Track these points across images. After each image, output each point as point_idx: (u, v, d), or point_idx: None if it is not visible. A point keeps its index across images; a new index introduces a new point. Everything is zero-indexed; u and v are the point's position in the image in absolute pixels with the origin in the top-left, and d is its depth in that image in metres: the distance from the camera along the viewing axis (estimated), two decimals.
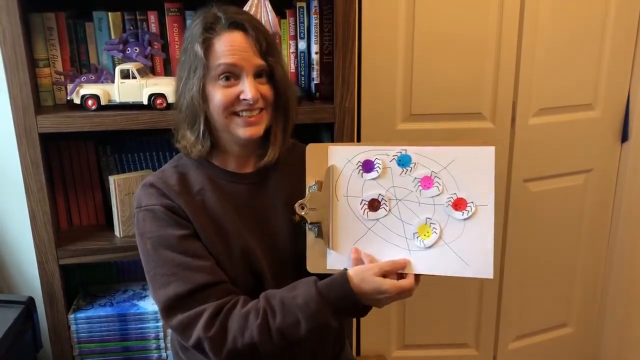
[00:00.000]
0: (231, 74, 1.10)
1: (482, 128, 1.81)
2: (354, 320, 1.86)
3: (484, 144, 1.08)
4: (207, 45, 1.09)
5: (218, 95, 1.10)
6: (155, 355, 1.58)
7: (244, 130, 1.12)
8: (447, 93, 1.77)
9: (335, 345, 1.30)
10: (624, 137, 1.99)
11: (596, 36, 1.85)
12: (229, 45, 1.09)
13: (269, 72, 1.13)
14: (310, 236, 1.13)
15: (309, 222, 1.11)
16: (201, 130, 1.13)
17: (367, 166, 1.11)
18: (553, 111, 1.88)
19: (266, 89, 1.13)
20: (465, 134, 1.80)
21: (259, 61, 1.11)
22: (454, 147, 1.09)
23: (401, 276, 1.08)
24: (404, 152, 1.10)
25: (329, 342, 1.28)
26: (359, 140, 1.76)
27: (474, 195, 1.08)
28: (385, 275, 1.05)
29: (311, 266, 1.13)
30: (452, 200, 1.09)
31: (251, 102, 1.09)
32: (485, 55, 1.75)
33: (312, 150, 1.13)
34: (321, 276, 1.09)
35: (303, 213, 1.11)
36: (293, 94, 1.20)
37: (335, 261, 1.12)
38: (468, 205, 1.08)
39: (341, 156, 1.12)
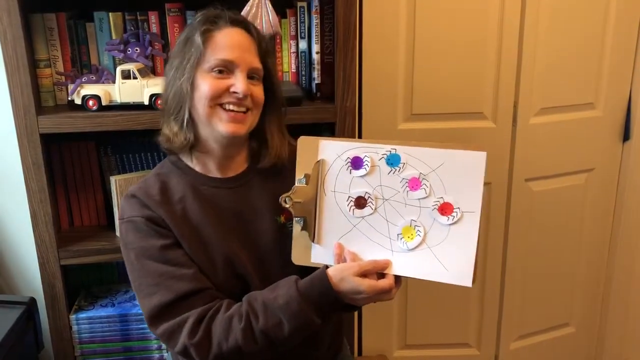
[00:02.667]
0: (225, 69, 1.10)
1: (484, 128, 1.81)
2: (356, 319, 1.85)
3: (476, 148, 1.04)
4: (207, 37, 1.09)
5: (206, 84, 1.09)
6: (157, 355, 1.58)
7: (226, 126, 1.10)
8: (449, 93, 1.77)
9: (330, 348, 1.28)
10: (626, 136, 1.99)
11: (597, 35, 1.85)
12: (230, 40, 1.10)
13: (265, 74, 1.13)
14: (296, 228, 1.12)
15: (294, 215, 1.11)
16: (185, 118, 1.11)
17: (356, 163, 1.09)
18: (554, 110, 1.87)
19: (258, 91, 1.13)
20: (467, 133, 1.79)
21: (256, 62, 1.12)
22: (444, 149, 1.05)
23: (382, 276, 1.06)
24: (393, 151, 1.07)
25: (324, 345, 1.25)
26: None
27: (461, 200, 1.05)
28: (365, 274, 1.04)
29: (296, 258, 1.13)
30: (439, 204, 1.06)
31: (241, 97, 1.09)
32: (486, 54, 1.75)
33: (303, 143, 1.11)
34: (306, 269, 1.09)
35: (288, 206, 1.10)
36: (283, 98, 1.21)
37: (320, 255, 1.11)
38: (454, 210, 1.05)
39: (331, 151, 1.10)
